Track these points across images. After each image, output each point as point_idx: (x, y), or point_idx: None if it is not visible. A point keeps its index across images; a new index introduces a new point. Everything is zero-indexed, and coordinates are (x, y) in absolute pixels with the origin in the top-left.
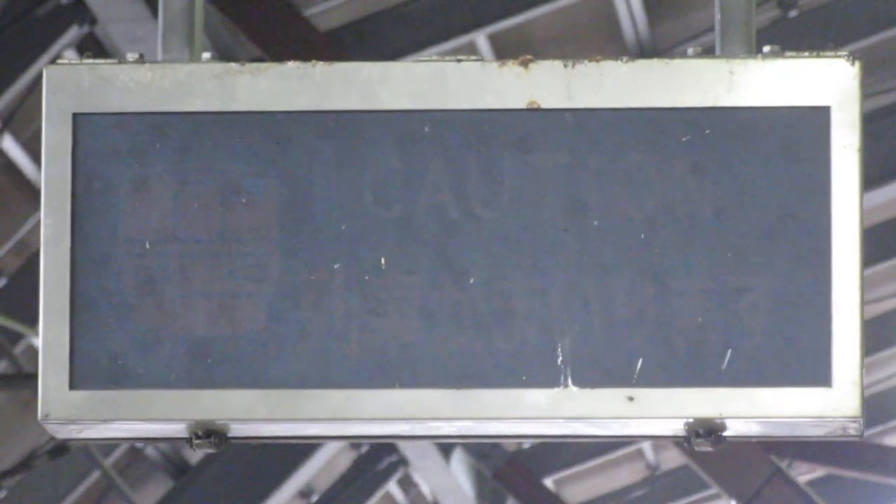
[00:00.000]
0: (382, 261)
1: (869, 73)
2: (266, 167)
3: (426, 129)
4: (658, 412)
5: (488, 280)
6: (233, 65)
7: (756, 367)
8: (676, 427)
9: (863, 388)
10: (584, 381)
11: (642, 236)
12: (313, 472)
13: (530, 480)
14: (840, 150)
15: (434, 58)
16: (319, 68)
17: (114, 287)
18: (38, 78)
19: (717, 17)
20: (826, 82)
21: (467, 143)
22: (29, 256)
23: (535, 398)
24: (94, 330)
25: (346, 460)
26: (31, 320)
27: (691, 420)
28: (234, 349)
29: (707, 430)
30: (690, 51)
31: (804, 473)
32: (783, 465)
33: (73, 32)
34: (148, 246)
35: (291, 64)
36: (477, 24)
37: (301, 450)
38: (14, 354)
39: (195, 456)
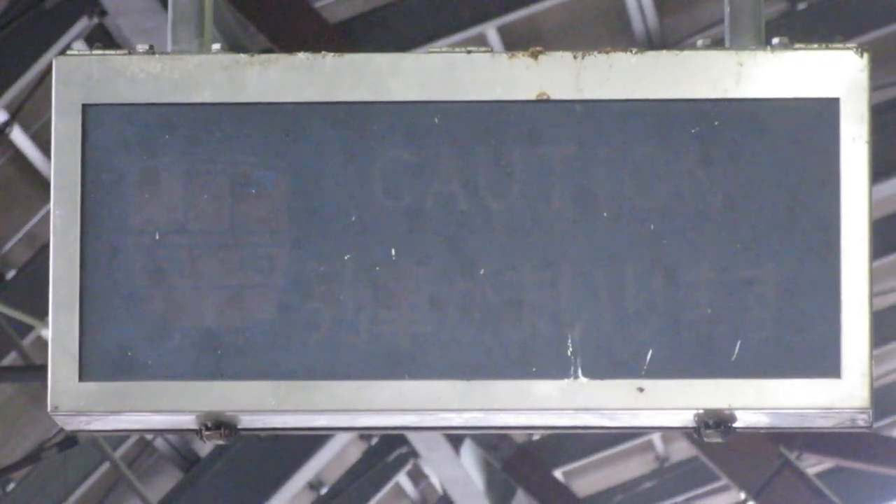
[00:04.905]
0: (392, 252)
1: (877, 66)
2: (276, 158)
3: (436, 120)
4: (668, 403)
5: (498, 271)
6: (242, 56)
7: (765, 358)
8: (686, 418)
9: (872, 379)
10: (593, 373)
11: (651, 227)
12: (323, 463)
13: (540, 472)
14: (849, 142)
15: (444, 49)
16: (329, 59)
17: (123, 278)
18: (48, 69)
19: (727, 9)
20: (835, 74)
21: (477, 135)
22: (38, 248)
23: (545, 389)
24: (104, 321)
25: (355, 452)
26: (41, 312)
27: (701, 411)
28: (243, 340)
29: (717, 421)
30: (700, 43)
31: (813, 465)
32: (792, 456)
33: (83, 24)
34: (157, 237)
35: (301, 55)
36: (487, 16)
37: (311, 441)
38: (23, 346)
39: (204, 448)
